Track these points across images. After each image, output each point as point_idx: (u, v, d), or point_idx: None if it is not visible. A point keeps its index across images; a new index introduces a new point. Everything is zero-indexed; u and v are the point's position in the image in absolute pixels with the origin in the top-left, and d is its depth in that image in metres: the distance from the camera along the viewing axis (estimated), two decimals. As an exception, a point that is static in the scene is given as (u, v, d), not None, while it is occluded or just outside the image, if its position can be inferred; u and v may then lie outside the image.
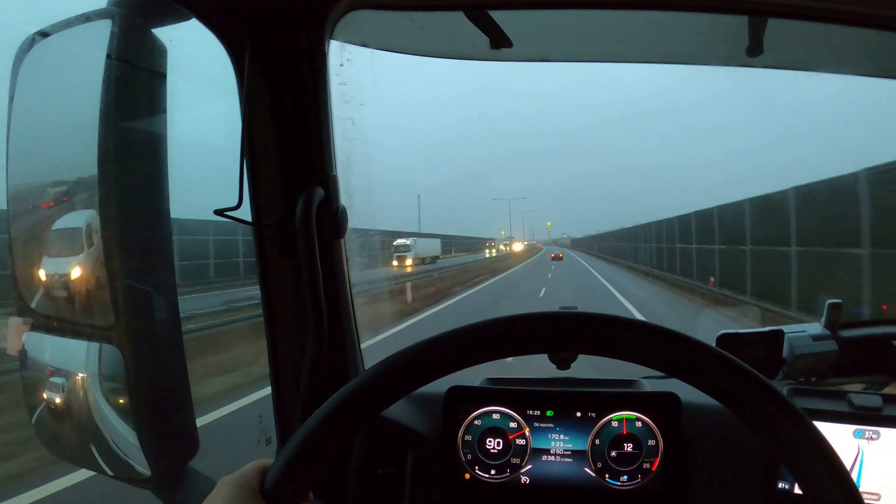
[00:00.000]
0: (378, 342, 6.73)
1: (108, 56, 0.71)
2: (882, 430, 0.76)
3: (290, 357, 0.79)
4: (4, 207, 0.80)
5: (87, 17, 0.75)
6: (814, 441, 0.39)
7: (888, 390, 1.02)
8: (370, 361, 0.89)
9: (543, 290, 14.37)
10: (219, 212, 0.70)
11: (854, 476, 0.76)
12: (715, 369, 0.41)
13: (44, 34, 0.77)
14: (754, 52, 0.87)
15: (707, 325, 8.11)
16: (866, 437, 0.77)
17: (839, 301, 1.02)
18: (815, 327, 1.01)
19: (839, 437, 0.77)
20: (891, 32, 0.76)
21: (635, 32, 0.86)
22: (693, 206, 14.38)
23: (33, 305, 0.81)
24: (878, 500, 0.74)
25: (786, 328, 0.98)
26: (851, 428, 0.77)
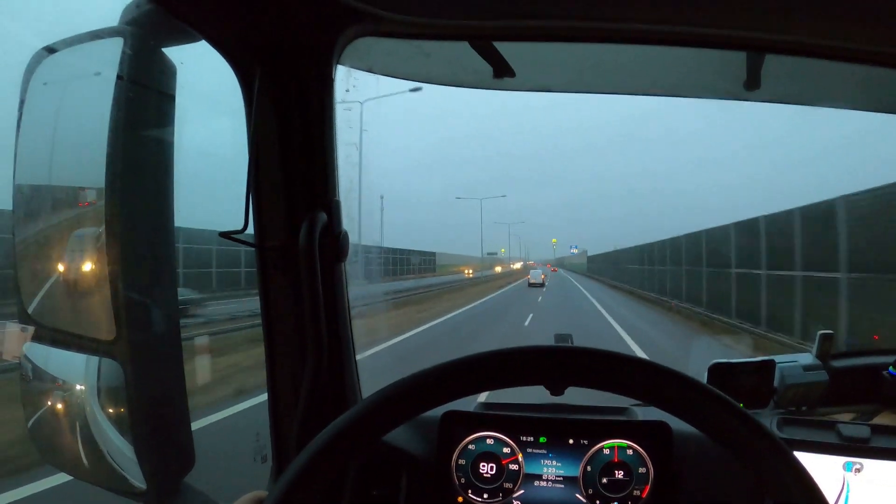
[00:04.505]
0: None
1: (119, 75, 0.71)
2: (868, 461, 0.77)
3: (289, 377, 0.80)
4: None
5: (97, 35, 0.76)
6: (797, 476, 0.40)
7: (878, 420, 1.03)
8: (366, 383, 0.90)
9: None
10: (224, 234, 0.71)
11: None
12: (702, 403, 0.43)
13: (53, 50, 0.78)
14: (752, 87, 0.88)
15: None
16: (853, 468, 0.77)
17: (831, 332, 1.03)
18: (807, 357, 1.02)
19: (826, 468, 0.77)
20: (886, 69, 0.78)
21: (635, 65, 0.88)
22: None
23: (31, 312, 0.81)
24: None
25: (777, 358, 0.99)
26: (838, 459, 0.78)
